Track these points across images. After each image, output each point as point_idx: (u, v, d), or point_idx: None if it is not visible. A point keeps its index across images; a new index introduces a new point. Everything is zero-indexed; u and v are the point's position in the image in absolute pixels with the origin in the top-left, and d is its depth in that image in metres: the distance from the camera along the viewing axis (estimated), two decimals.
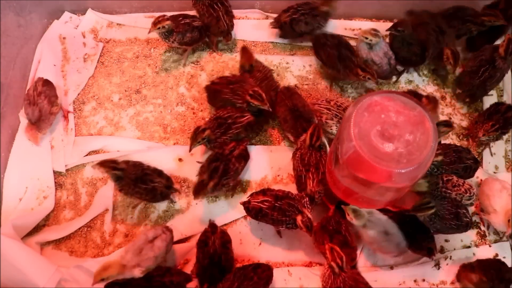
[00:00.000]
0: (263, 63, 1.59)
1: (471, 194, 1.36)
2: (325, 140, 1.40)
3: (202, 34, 1.64)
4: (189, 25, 1.60)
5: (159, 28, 1.52)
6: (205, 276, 1.24)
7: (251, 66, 1.52)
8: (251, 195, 1.33)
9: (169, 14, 1.60)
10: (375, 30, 1.52)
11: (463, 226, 1.31)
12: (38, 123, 1.48)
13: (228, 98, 1.47)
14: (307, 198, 1.30)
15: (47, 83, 1.53)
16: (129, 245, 1.25)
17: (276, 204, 1.27)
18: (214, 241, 1.25)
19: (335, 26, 1.77)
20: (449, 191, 1.35)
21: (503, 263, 1.29)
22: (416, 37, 1.58)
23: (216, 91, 1.50)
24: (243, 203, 1.33)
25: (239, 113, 1.44)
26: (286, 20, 1.65)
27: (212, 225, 1.29)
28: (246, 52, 1.51)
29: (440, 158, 1.38)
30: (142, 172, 1.33)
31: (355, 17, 1.81)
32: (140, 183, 1.32)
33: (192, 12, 1.76)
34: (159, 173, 1.37)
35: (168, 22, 1.54)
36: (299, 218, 1.25)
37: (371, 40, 1.52)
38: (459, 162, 1.41)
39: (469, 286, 1.27)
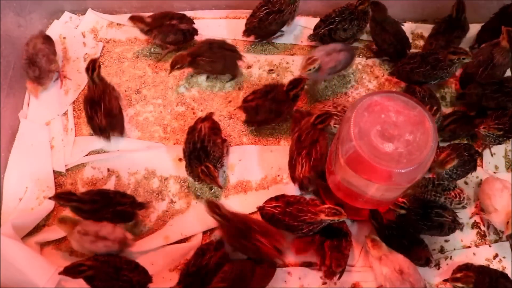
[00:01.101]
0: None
1: (461, 199, 1.36)
2: (333, 127, 1.41)
3: (187, 37, 1.65)
4: (173, 26, 1.60)
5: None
6: (185, 280, 1.24)
7: None
8: (266, 201, 1.33)
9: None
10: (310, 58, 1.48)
11: (436, 226, 1.31)
12: (38, 80, 1.55)
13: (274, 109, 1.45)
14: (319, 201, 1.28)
15: (47, 39, 1.59)
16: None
17: (287, 210, 1.27)
18: (212, 257, 1.25)
19: None
20: (438, 195, 1.35)
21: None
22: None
23: (254, 108, 1.47)
24: (259, 208, 1.33)
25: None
26: (325, 32, 1.64)
27: (219, 243, 1.29)
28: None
29: (455, 162, 1.35)
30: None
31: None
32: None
33: (192, 13, 1.77)
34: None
35: (141, 26, 1.59)
36: (322, 215, 1.23)
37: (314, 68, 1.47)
38: (472, 160, 1.41)
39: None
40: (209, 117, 1.44)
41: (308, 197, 1.33)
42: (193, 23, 1.67)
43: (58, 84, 1.63)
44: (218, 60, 1.56)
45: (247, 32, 1.66)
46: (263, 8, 1.60)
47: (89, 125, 1.49)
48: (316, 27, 1.67)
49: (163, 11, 1.65)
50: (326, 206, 1.24)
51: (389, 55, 1.67)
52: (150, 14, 1.64)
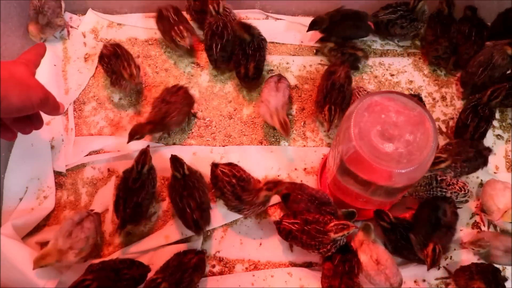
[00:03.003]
0: None
1: (466, 192, 1.36)
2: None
3: None
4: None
5: None
6: (165, 271, 1.24)
7: None
8: (284, 216, 1.33)
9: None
10: None
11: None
12: (43, 29, 1.62)
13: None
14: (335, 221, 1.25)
15: None
16: (57, 232, 1.27)
17: (305, 228, 1.26)
18: (192, 258, 1.26)
19: None
20: (444, 190, 1.35)
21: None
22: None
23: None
24: (275, 223, 1.33)
25: None
26: (384, 19, 1.64)
27: (202, 252, 1.32)
28: None
29: (446, 163, 1.37)
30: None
31: None
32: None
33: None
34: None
35: None
36: (331, 235, 1.22)
37: None
38: (480, 156, 1.41)
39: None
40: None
41: (326, 217, 1.29)
42: None
43: (58, 85, 1.63)
44: (181, 103, 1.47)
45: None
46: None
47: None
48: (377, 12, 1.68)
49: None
50: (332, 224, 1.22)
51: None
52: (150, 14, 1.64)
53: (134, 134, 1.38)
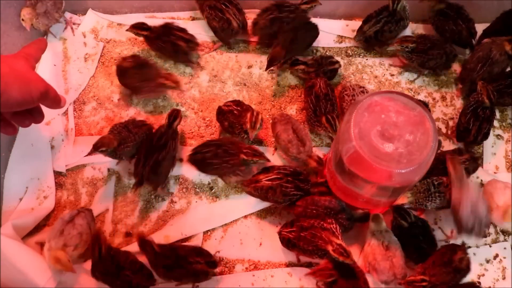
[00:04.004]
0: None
1: None
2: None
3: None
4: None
5: None
6: (156, 262, 1.26)
7: None
8: (283, 226, 1.34)
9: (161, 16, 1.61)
10: None
11: None
12: (37, 16, 1.58)
13: None
14: (335, 225, 1.27)
15: None
16: (48, 234, 1.28)
17: (301, 234, 1.26)
18: (154, 247, 1.27)
19: (335, 27, 1.77)
20: (442, 194, 1.34)
21: None
22: None
23: None
24: (278, 233, 1.34)
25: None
26: (371, 33, 1.63)
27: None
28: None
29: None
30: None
31: (355, 18, 1.80)
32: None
33: (192, 13, 1.77)
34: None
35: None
36: (330, 248, 1.21)
37: None
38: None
39: None
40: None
41: (325, 223, 1.29)
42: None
43: (58, 85, 1.62)
44: (140, 138, 1.43)
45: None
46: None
47: None
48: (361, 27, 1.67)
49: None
50: (337, 241, 1.21)
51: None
52: (150, 14, 1.64)
53: (100, 146, 1.33)
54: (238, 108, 1.46)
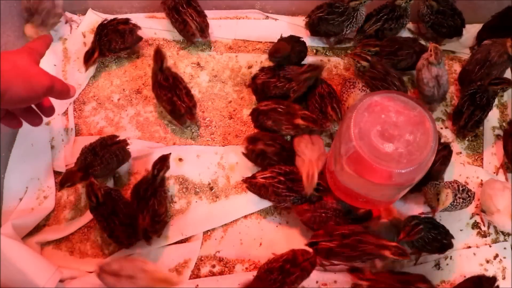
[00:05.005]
0: None
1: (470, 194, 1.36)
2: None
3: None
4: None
5: None
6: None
7: None
8: (315, 236, 1.29)
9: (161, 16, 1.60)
10: None
11: None
12: (39, 29, 1.57)
13: None
14: None
15: None
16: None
17: (344, 242, 1.24)
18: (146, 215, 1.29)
19: None
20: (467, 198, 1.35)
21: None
22: None
23: None
24: (309, 245, 1.29)
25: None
26: (371, 31, 1.63)
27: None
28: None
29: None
30: None
31: None
32: None
33: None
34: None
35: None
36: (387, 253, 1.20)
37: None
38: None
39: None
40: None
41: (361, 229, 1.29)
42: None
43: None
44: (110, 159, 1.39)
45: None
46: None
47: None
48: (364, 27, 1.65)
49: None
50: (393, 244, 1.21)
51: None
52: (150, 14, 1.64)
53: (65, 182, 1.33)
54: (282, 106, 1.44)
